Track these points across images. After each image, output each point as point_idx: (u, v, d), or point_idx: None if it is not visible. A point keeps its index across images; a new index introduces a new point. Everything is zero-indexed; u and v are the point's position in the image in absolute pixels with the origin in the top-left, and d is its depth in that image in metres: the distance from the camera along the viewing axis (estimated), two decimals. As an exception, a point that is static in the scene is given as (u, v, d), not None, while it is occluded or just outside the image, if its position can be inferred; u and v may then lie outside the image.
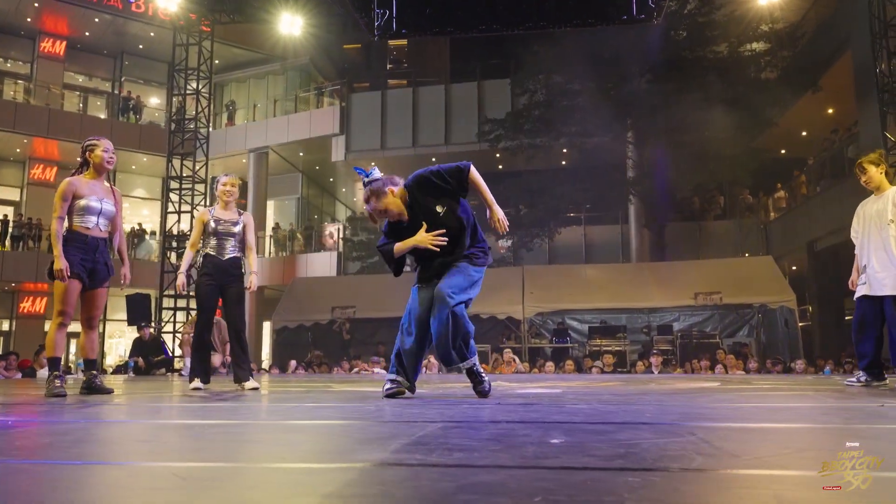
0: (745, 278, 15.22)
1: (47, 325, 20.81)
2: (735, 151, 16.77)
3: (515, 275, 16.45)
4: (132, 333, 14.90)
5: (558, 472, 1.58)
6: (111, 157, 4.97)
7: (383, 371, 12.79)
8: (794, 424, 2.73)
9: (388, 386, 3.99)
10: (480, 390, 3.93)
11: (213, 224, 5.52)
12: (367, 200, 3.91)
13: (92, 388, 4.71)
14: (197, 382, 5.35)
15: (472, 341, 3.92)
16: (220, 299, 5.59)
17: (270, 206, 24.03)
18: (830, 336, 16.85)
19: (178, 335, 13.28)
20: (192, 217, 14.06)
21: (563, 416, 2.94)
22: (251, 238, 5.72)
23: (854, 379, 5.57)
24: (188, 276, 5.85)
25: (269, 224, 23.00)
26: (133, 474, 1.65)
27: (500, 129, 18.44)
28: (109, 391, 4.73)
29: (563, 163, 20.05)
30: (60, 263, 4.55)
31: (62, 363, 4.87)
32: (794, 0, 14.44)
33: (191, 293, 13.96)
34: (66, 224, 4.71)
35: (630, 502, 1.23)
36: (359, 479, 1.50)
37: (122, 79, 23.16)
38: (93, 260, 4.76)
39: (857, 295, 5.58)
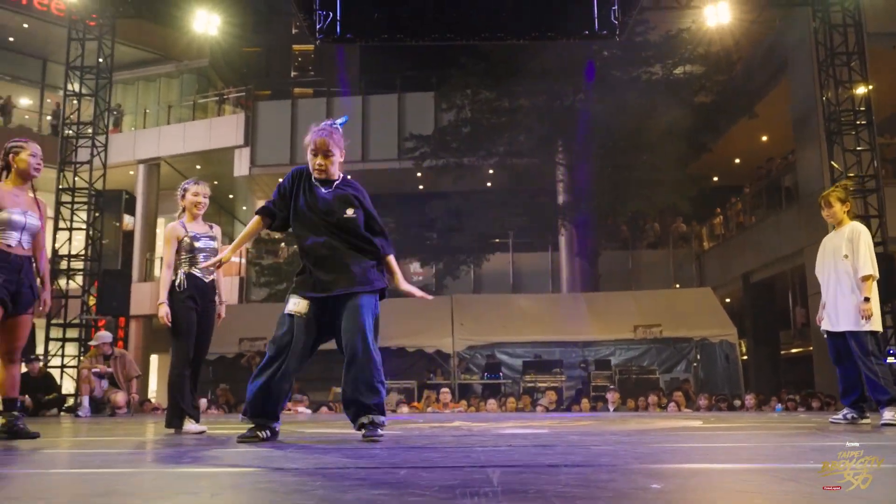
0: (684, 311, 15.69)
1: None
2: (670, 177, 17.47)
3: (443, 304, 16.30)
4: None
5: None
6: (38, 164, 4.67)
7: (308, 410, 12.47)
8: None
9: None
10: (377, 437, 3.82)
11: (188, 240, 5.21)
12: (328, 139, 3.94)
13: (14, 431, 4.37)
14: (191, 424, 5.06)
15: None
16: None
17: (161, 224, 23.17)
18: (766, 371, 17.69)
19: (70, 370, 12.50)
20: (90, 235, 13.34)
21: (609, 458, 2.88)
22: None
23: (840, 416, 5.87)
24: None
25: (161, 245, 22.06)
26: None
27: (426, 147, 18.48)
28: (35, 435, 4.40)
29: (489, 184, 20.32)
30: None
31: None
32: (731, 24, 15.29)
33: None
34: None
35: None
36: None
37: (-12, 75, 21.86)
38: (16, 282, 4.41)
39: (822, 330, 5.95)
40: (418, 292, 4.26)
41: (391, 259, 4.06)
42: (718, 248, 19.44)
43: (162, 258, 5.42)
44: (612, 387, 13.47)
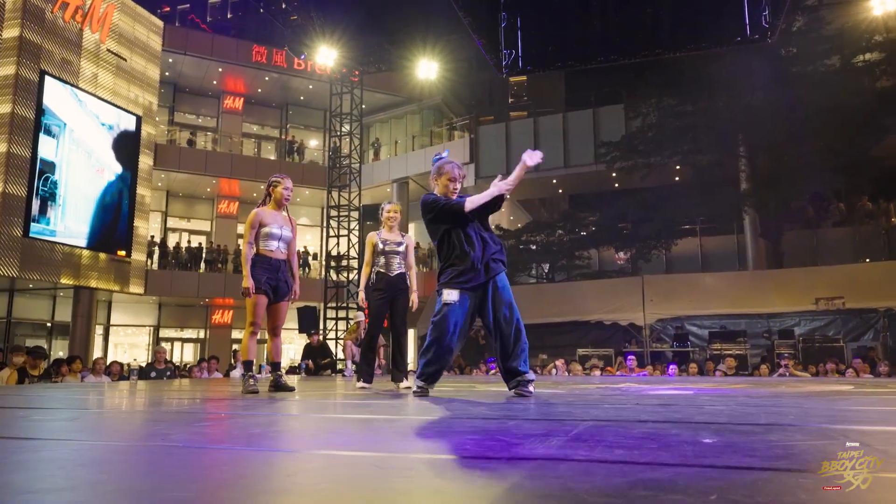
0: (868, 283, 13.83)
1: (234, 334, 22.38)
2: (852, 161, 15.36)
3: (635, 284, 15.85)
4: (300, 340, 15.69)
5: (723, 472, 1.47)
6: (289, 194, 5.23)
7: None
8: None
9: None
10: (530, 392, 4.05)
11: (380, 245, 5.57)
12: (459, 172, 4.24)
13: (278, 386, 4.95)
14: (362, 382, 5.51)
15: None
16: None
17: (411, 228, 24.57)
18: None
19: (341, 341, 13.83)
20: (350, 240, 14.64)
21: (705, 416, 2.70)
22: (411, 258, 5.71)
23: None
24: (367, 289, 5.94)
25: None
26: (310, 460, 1.71)
27: (616, 151, 17.92)
28: (292, 389, 4.95)
29: (676, 179, 19.21)
30: (247, 283, 4.82)
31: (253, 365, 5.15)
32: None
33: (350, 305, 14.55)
34: (253, 248, 5.01)
35: (811, 504, 1.11)
36: (533, 473, 1.46)
37: (288, 126, 24.64)
38: (276, 278, 4.98)
39: None
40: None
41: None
42: (907, 222, 16.72)
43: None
44: (786, 354, 12.16)
